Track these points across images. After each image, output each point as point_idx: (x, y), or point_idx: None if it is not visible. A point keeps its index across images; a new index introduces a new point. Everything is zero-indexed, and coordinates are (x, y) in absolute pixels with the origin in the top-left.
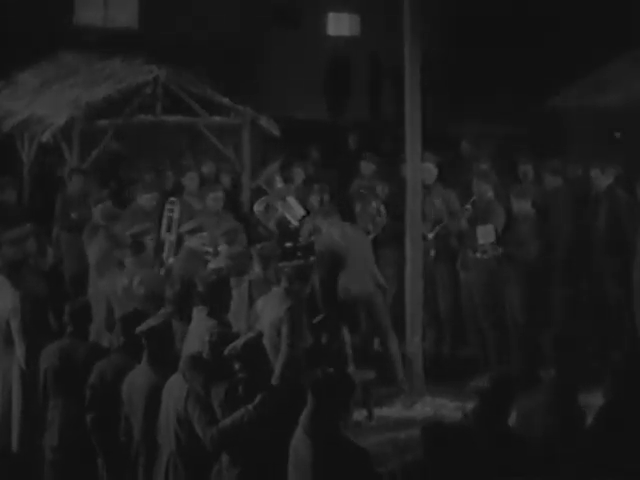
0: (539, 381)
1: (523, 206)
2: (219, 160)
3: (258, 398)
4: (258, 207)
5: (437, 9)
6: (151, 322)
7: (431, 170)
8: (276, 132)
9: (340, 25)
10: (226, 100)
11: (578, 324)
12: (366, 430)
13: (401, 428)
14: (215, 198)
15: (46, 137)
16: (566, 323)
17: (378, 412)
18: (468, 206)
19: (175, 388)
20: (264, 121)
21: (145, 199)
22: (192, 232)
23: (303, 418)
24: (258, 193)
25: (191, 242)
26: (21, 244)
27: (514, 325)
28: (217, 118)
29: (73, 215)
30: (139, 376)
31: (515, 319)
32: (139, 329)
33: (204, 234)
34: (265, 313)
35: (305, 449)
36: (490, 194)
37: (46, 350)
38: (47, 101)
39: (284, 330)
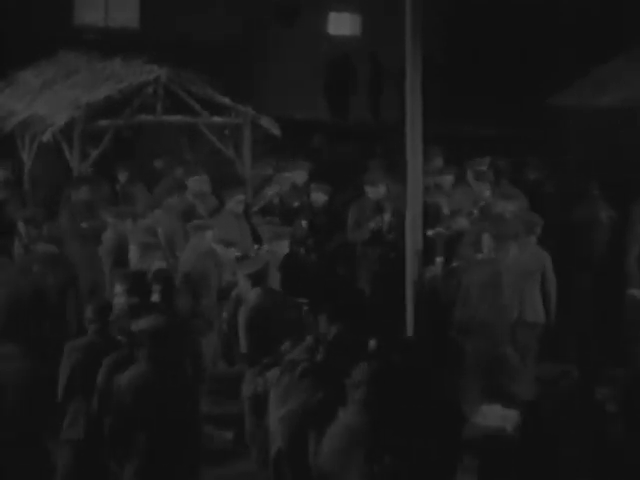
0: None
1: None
2: (220, 160)
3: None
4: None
5: (437, 8)
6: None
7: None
8: (277, 132)
9: (341, 25)
10: (226, 100)
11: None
12: None
13: None
14: (237, 201)
15: (47, 137)
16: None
17: None
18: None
19: None
20: (265, 121)
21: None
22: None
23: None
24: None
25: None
26: None
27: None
28: (217, 118)
29: (83, 225)
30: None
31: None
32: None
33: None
34: None
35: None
36: (487, 194)
37: (71, 345)
38: (48, 101)
39: None
